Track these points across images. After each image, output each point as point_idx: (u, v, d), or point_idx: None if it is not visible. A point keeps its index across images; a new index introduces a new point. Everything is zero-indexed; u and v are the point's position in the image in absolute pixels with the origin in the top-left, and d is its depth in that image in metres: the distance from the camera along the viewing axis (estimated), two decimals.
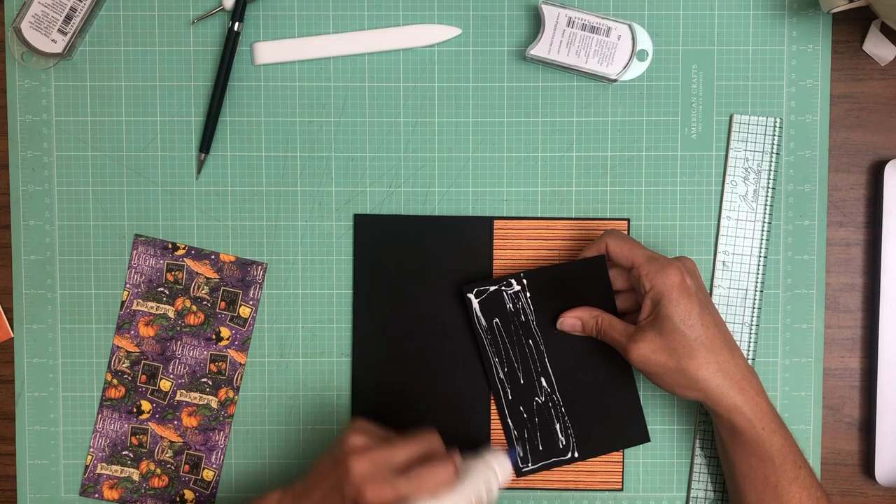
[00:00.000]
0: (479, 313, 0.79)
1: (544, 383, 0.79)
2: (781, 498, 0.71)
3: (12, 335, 0.82)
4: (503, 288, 0.78)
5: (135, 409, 0.82)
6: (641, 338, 0.72)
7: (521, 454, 0.79)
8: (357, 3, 0.81)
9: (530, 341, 0.79)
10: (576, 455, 0.79)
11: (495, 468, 0.72)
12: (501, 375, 0.79)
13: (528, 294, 0.78)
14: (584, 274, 0.77)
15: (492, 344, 0.79)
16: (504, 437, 0.80)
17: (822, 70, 0.80)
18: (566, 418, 0.79)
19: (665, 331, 0.71)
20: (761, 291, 0.81)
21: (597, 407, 0.80)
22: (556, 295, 0.78)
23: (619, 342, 0.74)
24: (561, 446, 0.79)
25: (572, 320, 0.77)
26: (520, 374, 0.79)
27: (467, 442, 0.81)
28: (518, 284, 0.78)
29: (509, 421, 0.79)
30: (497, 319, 0.78)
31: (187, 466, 0.82)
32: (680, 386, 0.72)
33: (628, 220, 0.81)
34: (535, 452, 0.79)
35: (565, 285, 0.78)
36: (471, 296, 0.78)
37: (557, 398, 0.79)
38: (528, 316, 0.78)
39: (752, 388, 0.71)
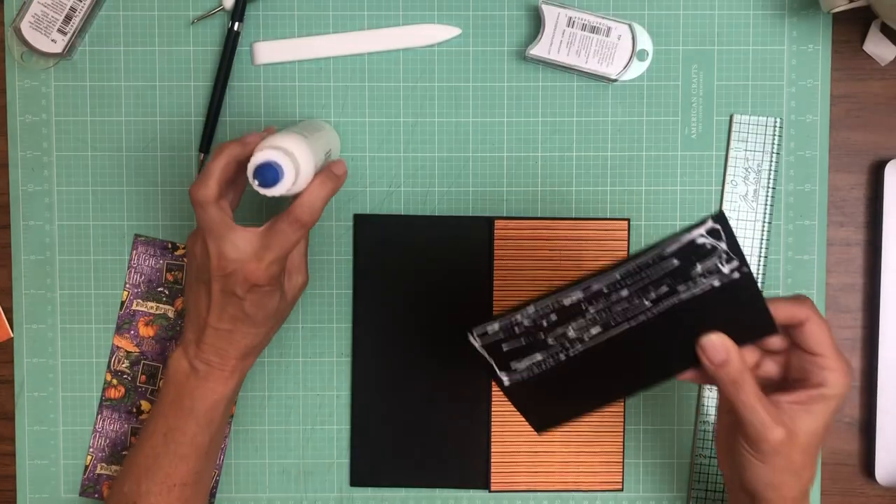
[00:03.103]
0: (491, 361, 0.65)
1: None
2: None
3: (12, 335, 0.82)
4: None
5: (134, 410, 0.82)
6: (791, 425, 0.63)
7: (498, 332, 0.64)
8: (357, 3, 0.81)
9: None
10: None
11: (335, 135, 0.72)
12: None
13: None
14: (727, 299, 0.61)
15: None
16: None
17: (822, 70, 0.80)
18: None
19: (811, 430, 0.63)
20: (761, 291, 0.81)
21: None
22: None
23: (757, 416, 0.63)
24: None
25: (721, 347, 0.62)
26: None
27: (467, 442, 0.81)
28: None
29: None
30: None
31: None
32: (780, 485, 0.64)
33: (628, 219, 0.81)
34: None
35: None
36: (475, 342, 0.64)
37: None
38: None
39: None
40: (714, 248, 0.59)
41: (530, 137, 0.81)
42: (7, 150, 0.81)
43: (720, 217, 0.57)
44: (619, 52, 0.79)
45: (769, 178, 0.80)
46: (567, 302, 0.60)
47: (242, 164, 0.68)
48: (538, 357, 0.63)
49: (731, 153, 0.81)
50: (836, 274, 0.82)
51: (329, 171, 0.68)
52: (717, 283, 0.60)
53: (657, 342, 0.63)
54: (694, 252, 0.59)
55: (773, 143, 0.80)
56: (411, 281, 0.81)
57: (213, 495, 0.82)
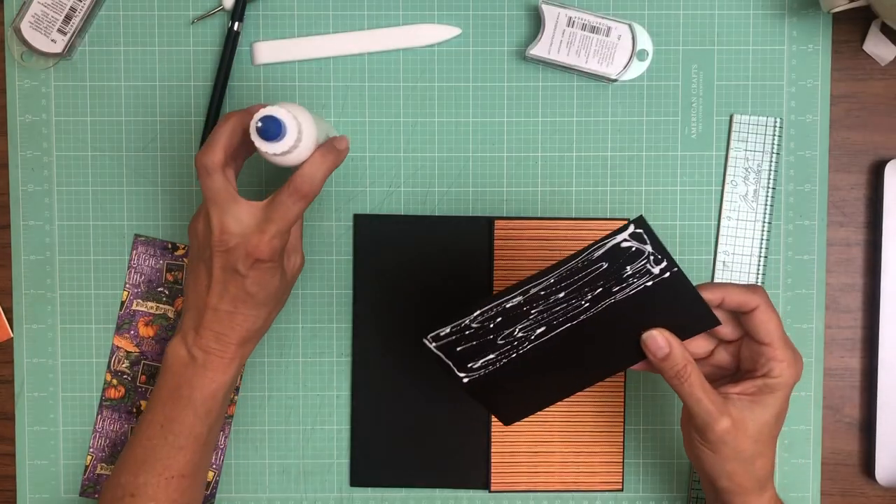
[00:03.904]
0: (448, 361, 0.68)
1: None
2: None
3: (12, 335, 0.82)
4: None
5: (134, 410, 0.82)
6: (737, 415, 0.65)
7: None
8: (357, 3, 0.81)
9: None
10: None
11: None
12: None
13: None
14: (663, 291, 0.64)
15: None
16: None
17: (822, 70, 0.81)
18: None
19: (760, 420, 0.65)
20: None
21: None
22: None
23: (702, 406, 0.64)
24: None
25: (663, 342, 0.65)
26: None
27: (467, 442, 0.81)
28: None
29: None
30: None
31: None
32: (731, 473, 0.66)
33: (628, 219, 0.81)
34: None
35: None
36: (431, 346, 0.66)
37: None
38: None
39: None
40: (640, 251, 0.61)
41: (530, 137, 0.81)
42: (7, 150, 0.81)
43: (640, 221, 0.60)
44: (619, 52, 0.79)
45: (769, 178, 0.80)
46: (509, 305, 0.63)
47: (247, 132, 0.68)
48: (491, 356, 0.66)
49: (731, 153, 0.81)
50: (836, 274, 0.82)
51: (331, 145, 0.68)
52: (649, 284, 0.63)
53: (603, 338, 0.66)
54: (621, 255, 0.61)
55: (773, 143, 0.80)
56: (411, 281, 0.81)
57: (213, 495, 0.82)
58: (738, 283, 0.68)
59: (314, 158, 0.67)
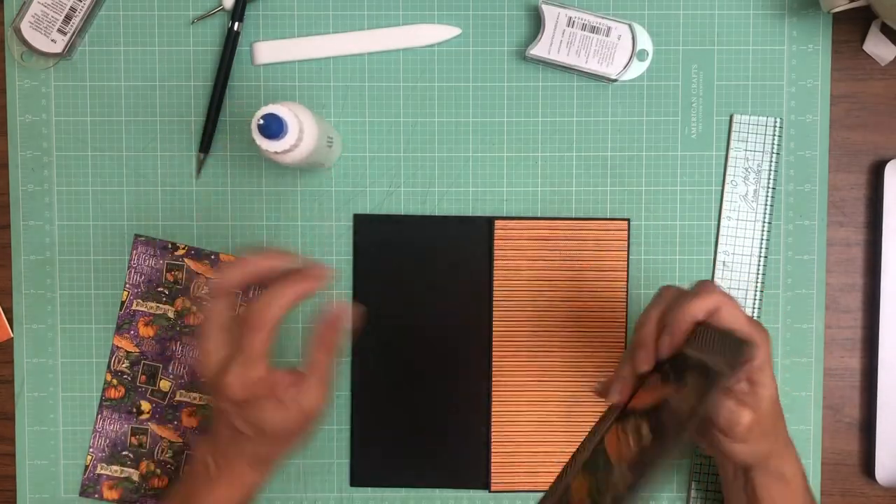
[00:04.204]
0: None
1: None
2: None
3: (12, 335, 0.82)
4: None
5: (134, 410, 0.82)
6: (753, 402, 0.65)
7: None
8: (357, 3, 0.81)
9: None
10: None
11: None
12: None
13: None
14: None
15: None
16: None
17: (822, 70, 0.80)
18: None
19: (767, 395, 0.65)
20: (761, 291, 0.81)
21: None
22: None
23: (724, 407, 0.64)
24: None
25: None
26: None
27: (467, 442, 0.81)
28: None
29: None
30: None
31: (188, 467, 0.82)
32: (765, 450, 0.67)
33: (628, 219, 0.81)
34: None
35: None
36: None
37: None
38: None
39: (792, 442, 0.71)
40: None
41: (530, 137, 0.81)
42: (7, 150, 0.81)
43: None
44: (619, 52, 0.79)
45: (769, 178, 0.80)
46: None
47: (265, 277, 0.66)
48: None
49: (731, 153, 0.81)
50: (836, 274, 0.82)
51: (300, 274, 0.64)
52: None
53: None
54: None
55: (773, 143, 0.80)
56: (411, 281, 0.81)
57: None
58: (687, 290, 0.66)
59: (273, 289, 0.63)
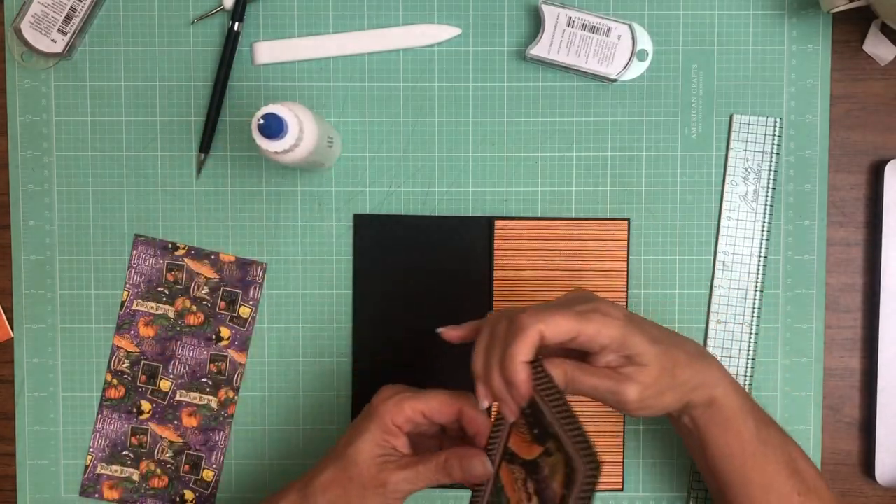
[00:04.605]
0: None
1: None
2: (759, 465, 0.67)
3: (12, 335, 0.82)
4: None
5: (135, 410, 0.82)
6: (635, 376, 0.63)
7: None
8: (357, 3, 0.81)
9: None
10: None
11: None
12: None
13: None
14: None
15: None
16: None
17: (822, 70, 0.80)
18: None
19: (654, 365, 0.64)
20: (761, 291, 0.81)
21: None
22: None
23: (604, 387, 0.63)
24: None
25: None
26: None
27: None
28: None
29: None
30: None
31: (187, 466, 0.82)
32: (675, 404, 0.66)
33: (628, 219, 0.81)
34: None
35: None
36: None
37: None
38: None
39: (713, 360, 0.68)
40: None
41: (530, 137, 0.81)
42: (7, 150, 0.81)
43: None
44: (619, 52, 0.79)
45: (769, 178, 0.80)
46: None
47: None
48: None
49: (731, 153, 0.81)
50: (836, 274, 0.82)
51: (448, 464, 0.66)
52: None
53: None
54: None
55: (772, 143, 0.80)
56: (411, 281, 0.81)
57: (213, 495, 0.82)
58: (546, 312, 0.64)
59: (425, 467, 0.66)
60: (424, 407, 0.66)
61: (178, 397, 0.81)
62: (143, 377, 0.82)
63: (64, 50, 0.79)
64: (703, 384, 0.66)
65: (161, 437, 0.82)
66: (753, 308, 0.80)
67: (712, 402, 0.67)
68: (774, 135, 0.80)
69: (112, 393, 0.82)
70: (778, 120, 0.80)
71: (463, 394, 0.67)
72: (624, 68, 0.79)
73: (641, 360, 0.63)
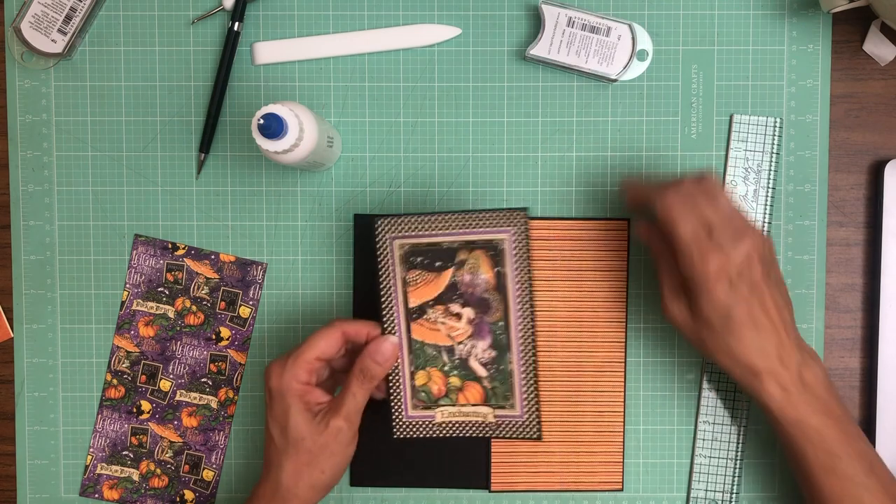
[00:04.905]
0: None
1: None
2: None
3: (12, 335, 0.82)
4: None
5: (135, 409, 0.82)
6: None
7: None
8: (357, 3, 0.81)
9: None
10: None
11: None
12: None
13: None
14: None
15: None
16: None
17: (822, 70, 0.81)
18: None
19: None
20: None
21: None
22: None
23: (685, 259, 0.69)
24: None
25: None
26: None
27: (467, 442, 0.81)
28: None
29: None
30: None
31: (187, 466, 0.82)
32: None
33: (628, 220, 0.81)
34: None
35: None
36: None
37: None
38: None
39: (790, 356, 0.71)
40: None
41: (530, 137, 0.81)
42: (7, 150, 0.81)
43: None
44: (619, 52, 0.79)
45: (769, 178, 0.80)
46: None
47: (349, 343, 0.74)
48: None
49: (731, 153, 0.81)
50: (836, 274, 0.82)
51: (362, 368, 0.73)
52: None
53: None
54: None
55: (772, 143, 0.80)
56: None
57: (213, 495, 0.82)
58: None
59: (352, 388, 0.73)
60: (312, 352, 0.71)
61: (178, 397, 0.81)
62: (143, 377, 0.82)
63: (64, 50, 0.79)
64: (790, 363, 0.70)
65: (161, 437, 0.82)
66: None
67: (805, 386, 0.70)
68: (774, 135, 0.80)
69: (112, 393, 0.82)
70: (778, 120, 0.80)
71: (332, 321, 0.73)
72: (624, 68, 0.79)
73: (705, 212, 0.68)
